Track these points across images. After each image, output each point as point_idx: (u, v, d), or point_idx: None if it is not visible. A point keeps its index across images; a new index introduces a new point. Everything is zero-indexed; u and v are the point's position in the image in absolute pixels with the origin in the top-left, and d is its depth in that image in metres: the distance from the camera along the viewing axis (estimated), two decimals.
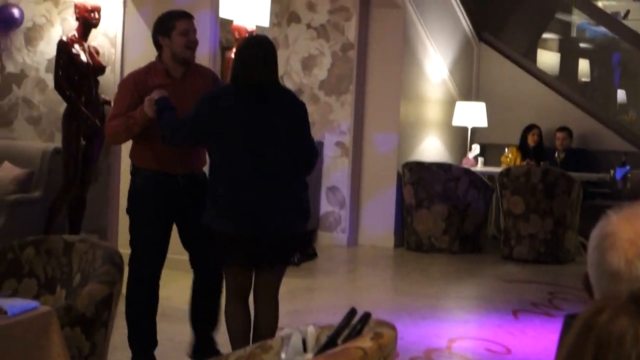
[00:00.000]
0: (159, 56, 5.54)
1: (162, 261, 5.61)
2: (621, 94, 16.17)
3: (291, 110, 5.14)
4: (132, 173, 5.64)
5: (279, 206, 5.03)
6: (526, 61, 13.01)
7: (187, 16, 5.52)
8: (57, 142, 8.73)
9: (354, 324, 2.66)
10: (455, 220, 10.69)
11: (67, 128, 8.34)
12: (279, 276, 5.25)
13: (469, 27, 12.35)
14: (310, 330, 2.69)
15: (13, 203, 8.32)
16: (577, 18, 16.08)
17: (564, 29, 16.04)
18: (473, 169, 11.31)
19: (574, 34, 16.47)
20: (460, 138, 12.13)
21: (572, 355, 1.37)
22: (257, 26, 9.20)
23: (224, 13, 8.75)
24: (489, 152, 12.02)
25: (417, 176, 10.71)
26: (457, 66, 12.14)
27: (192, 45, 5.49)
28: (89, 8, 8.35)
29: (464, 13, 12.19)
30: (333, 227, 10.98)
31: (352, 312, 2.70)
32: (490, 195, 10.96)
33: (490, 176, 11.09)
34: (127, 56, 8.80)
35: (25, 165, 8.64)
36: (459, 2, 12.09)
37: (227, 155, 4.99)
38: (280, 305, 5.32)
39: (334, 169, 10.94)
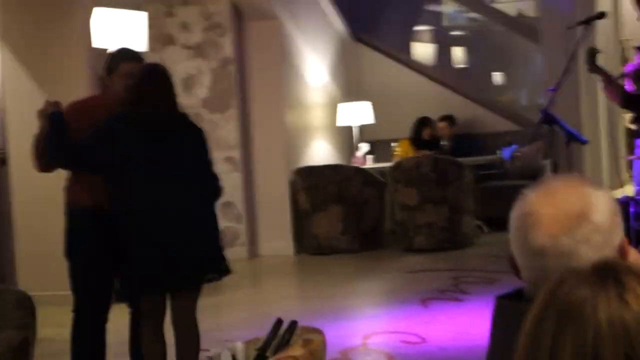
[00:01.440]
0: (107, 91, 5.46)
1: (109, 302, 5.46)
2: (497, 77, 16.48)
3: (192, 140, 5.16)
4: (66, 214, 5.49)
5: (185, 236, 5.03)
6: (403, 55, 13.21)
7: (134, 58, 5.40)
8: None
9: (281, 334, 2.69)
10: (352, 220, 10.78)
11: None
12: (194, 298, 5.22)
13: (344, 29, 12.47)
14: (239, 346, 2.71)
15: None
16: (447, 7, 16.34)
17: (435, 19, 16.28)
18: (363, 166, 11.43)
19: (445, 22, 16.72)
20: (346, 138, 12.24)
21: (535, 326, 1.40)
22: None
23: (98, 42, 8.67)
24: (379, 149, 12.15)
25: (310, 181, 10.78)
26: (337, 69, 12.25)
27: None
28: None
29: (339, 16, 12.31)
30: (232, 242, 10.95)
31: (279, 322, 2.73)
32: (384, 191, 11.08)
33: (382, 172, 11.22)
34: (8, 98, 8.70)
35: None
36: (333, 6, 12.19)
37: (127, 186, 4.98)
38: None
39: (227, 185, 10.83)
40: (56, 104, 5.16)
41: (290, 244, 10.93)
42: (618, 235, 1.93)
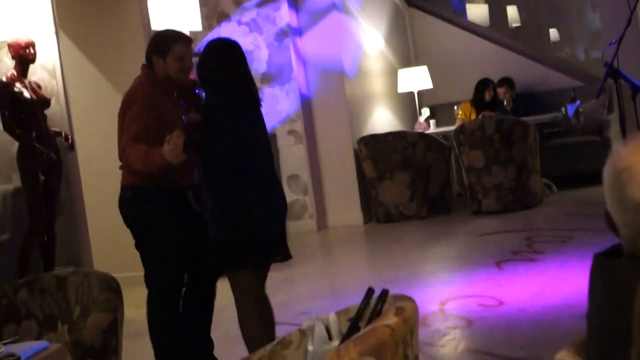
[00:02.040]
0: (151, 69, 5.35)
1: (183, 282, 5.38)
2: (553, 33, 16.32)
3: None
4: (135, 199, 5.31)
5: (284, 207, 5.15)
6: (457, 18, 13.11)
7: (185, 40, 5.35)
8: (16, 182, 8.66)
9: (373, 303, 2.69)
10: (419, 186, 10.76)
11: (24, 166, 8.28)
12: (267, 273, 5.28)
13: None
14: (332, 317, 2.71)
15: None
16: None
17: None
18: (427, 132, 11.38)
19: None
20: (408, 104, 12.19)
21: None
22: (190, 31, 9.17)
23: (155, 24, 8.71)
24: (439, 113, 12.10)
25: (375, 149, 10.76)
26: (392, 35, 12.20)
27: (187, 70, 5.33)
28: (23, 45, 8.28)
29: None
30: (300, 215, 11.01)
31: (370, 291, 2.73)
32: (449, 155, 11.03)
33: (445, 136, 11.18)
34: (70, 85, 8.76)
35: None
36: None
37: (247, 163, 4.97)
38: None
39: (291, 157, 10.97)
40: (178, 133, 4.95)
41: (359, 214, 10.94)
42: None
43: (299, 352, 2.91)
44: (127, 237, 5.60)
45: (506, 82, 11.77)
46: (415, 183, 10.74)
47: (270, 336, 5.02)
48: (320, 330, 2.70)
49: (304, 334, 2.92)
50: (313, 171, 10.96)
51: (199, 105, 5.38)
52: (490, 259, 8.13)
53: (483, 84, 11.73)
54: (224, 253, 5.00)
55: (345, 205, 10.96)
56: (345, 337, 2.68)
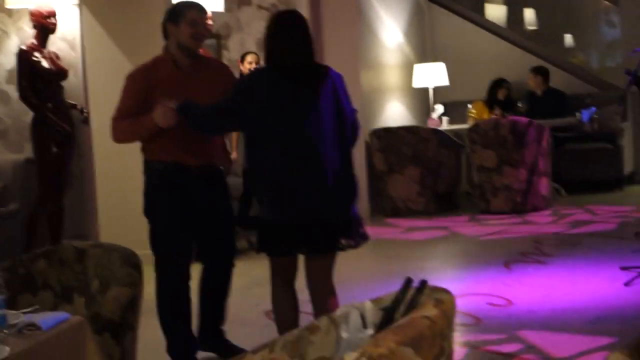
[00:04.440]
0: (166, 47, 5.45)
1: (189, 260, 5.48)
2: (569, 38, 16.28)
3: (331, 88, 4.95)
4: (144, 172, 5.52)
5: (328, 190, 4.87)
6: (476, 16, 13.08)
7: (199, 8, 5.41)
8: (27, 153, 8.64)
9: (412, 294, 2.67)
10: (428, 182, 10.74)
11: (38, 137, 8.25)
12: (329, 263, 5.08)
13: None
14: (368, 305, 2.69)
15: None
16: None
17: None
18: (440, 128, 11.36)
19: None
20: (422, 100, 12.16)
21: None
22: (212, 12, 9.14)
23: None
24: (453, 110, 12.06)
25: (386, 142, 10.74)
26: (410, 29, 12.17)
27: (199, 36, 5.39)
28: (45, 14, 8.25)
29: None
30: None
31: (409, 281, 2.70)
32: (460, 152, 11.01)
33: (458, 133, 11.16)
34: (89, 58, 8.73)
35: None
36: None
37: (273, 143, 4.81)
38: None
39: None
40: (168, 102, 5.13)
41: (366, 206, 10.90)
42: None
43: (327, 339, 2.88)
44: (135, 214, 5.64)
45: (539, 70, 11.70)
46: (424, 179, 10.71)
47: None
48: (355, 317, 2.68)
49: (332, 320, 2.90)
50: None
51: (226, 84, 5.37)
52: (498, 259, 8.11)
53: (496, 84, 11.71)
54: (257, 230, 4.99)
55: None
56: (380, 327, 2.65)
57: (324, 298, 5.05)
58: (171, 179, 5.40)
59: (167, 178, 5.40)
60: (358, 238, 5.05)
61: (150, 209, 5.48)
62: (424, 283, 2.70)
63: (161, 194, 5.42)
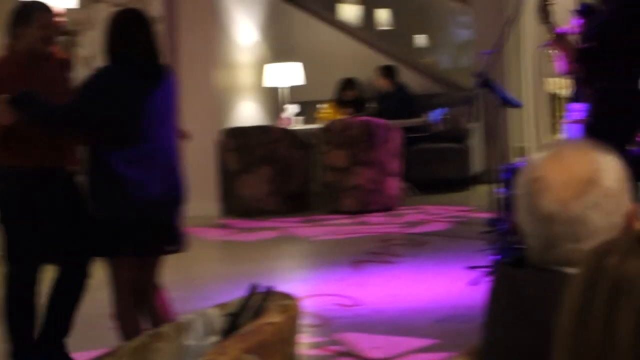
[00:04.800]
0: (11, 46, 5.25)
1: (41, 266, 5.34)
2: (421, 39, 16.54)
3: (172, 87, 5.03)
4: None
5: (180, 189, 4.97)
6: (330, 16, 13.16)
7: (48, 10, 5.24)
8: None
9: (257, 300, 2.63)
10: (279, 181, 10.73)
11: None
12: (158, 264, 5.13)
13: None
14: (213, 312, 2.64)
15: None
16: None
17: None
18: (291, 127, 11.37)
19: None
20: (274, 99, 12.14)
21: (583, 303, 1.36)
22: (65, 8, 8.92)
23: None
24: (309, 110, 12.08)
25: (239, 142, 10.68)
26: (265, 29, 12.13)
27: (50, 39, 5.23)
28: None
29: None
30: None
31: (254, 287, 2.67)
32: (312, 152, 11.04)
33: (311, 133, 11.18)
34: None
35: None
36: None
37: (124, 141, 4.79)
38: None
39: None
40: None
41: (216, 206, 10.84)
42: (627, 202, 1.91)
43: (173, 346, 2.83)
44: None
45: (385, 70, 11.80)
46: (276, 178, 10.70)
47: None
48: (200, 324, 2.63)
49: (178, 326, 2.84)
50: None
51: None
52: (347, 259, 8.14)
53: (345, 84, 11.77)
54: (100, 234, 4.88)
55: (203, 196, 10.81)
56: (225, 333, 2.61)
57: (153, 296, 5.08)
58: (30, 184, 5.18)
59: (27, 183, 5.18)
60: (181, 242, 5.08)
61: (9, 217, 5.24)
62: (269, 289, 2.67)
63: (21, 201, 5.20)
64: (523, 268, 1.95)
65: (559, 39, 7.24)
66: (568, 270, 1.87)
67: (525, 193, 1.91)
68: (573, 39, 7.96)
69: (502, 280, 1.97)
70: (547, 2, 7.13)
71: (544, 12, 7.09)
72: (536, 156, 1.95)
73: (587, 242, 1.85)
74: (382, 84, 11.79)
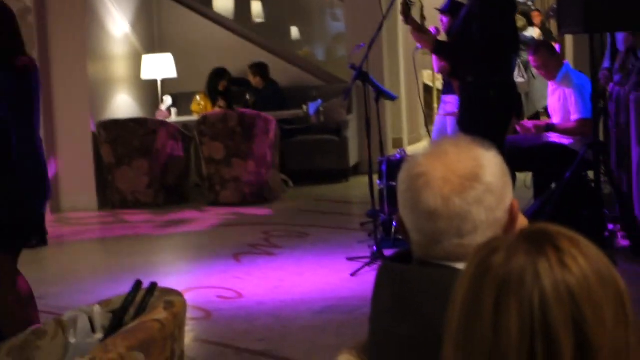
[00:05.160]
0: None
1: None
2: (295, 31, 16.58)
3: (38, 81, 4.95)
4: None
5: (46, 183, 4.92)
6: (204, 8, 13.10)
7: None
8: None
9: (141, 296, 2.62)
10: (157, 174, 10.64)
11: None
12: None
13: None
14: (97, 309, 2.61)
15: None
16: None
17: None
18: (168, 120, 11.30)
19: None
20: (150, 91, 12.04)
21: (472, 300, 1.38)
22: None
23: None
24: (182, 102, 12.00)
25: (114, 134, 10.56)
26: (138, 20, 12.02)
27: None
28: None
29: None
30: None
31: (138, 284, 2.65)
32: (189, 144, 10.99)
33: (187, 125, 11.13)
34: None
35: None
36: None
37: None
38: None
39: None
40: None
41: (94, 198, 10.70)
42: (508, 197, 1.95)
43: (55, 343, 2.79)
44: None
45: (255, 67, 11.78)
46: (153, 171, 10.61)
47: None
48: (83, 322, 2.60)
49: (60, 324, 2.81)
50: (47, 153, 10.60)
51: None
52: (228, 251, 8.14)
53: (216, 75, 11.72)
54: None
55: (80, 189, 10.68)
56: (109, 331, 2.59)
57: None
58: None
59: None
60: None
61: None
62: (153, 285, 2.65)
63: None
64: (408, 263, 1.98)
65: (419, 33, 7.40)
66: (452, 264, 1.90)
67: (407, 189, 1.93)
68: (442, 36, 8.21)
69: (387, 276, 1.99)
70: (410, 3, 7.31)
71: (405, 10, 7.26)
72: (418, 152, 1.98)
73: (470, 237, 1.88)
74: (254, 81, 11.79)
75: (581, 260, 1.36)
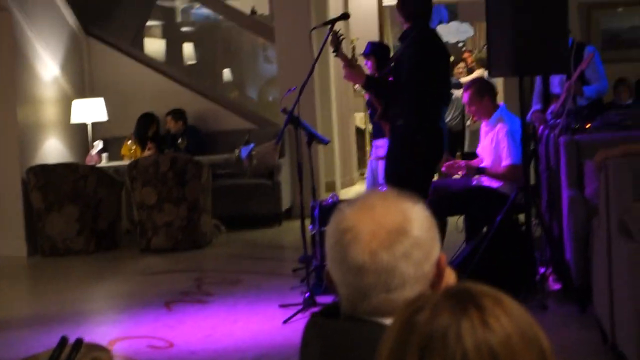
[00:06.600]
0: None
1: None
2: (227, 73, 16.59)
3: None
4: None
5: None
6: (135, 51, 13.04)
7: None
8: None
9: (67, 353, 2.54)
10: (88, 220, 10.52)
11: None
12: None
13: (75, 22, 12.12)
14: None
15: None
16: (181, 3, 16.26)
17: (168, 14, 16.16)
18: (99, 165, 11.19)
19: (179, 19, 16.64)
20: (81, 136, 11.91)
21: (395, 357, 1.36)
22: None
23: None
24: (113, 146, 11.89)
25: (44, 180, 10.42)
26: (68, 64, 11.90)
27: None
28: None
29: (69, 8, 11.95)
30: None
31: (64, 340, 2.58)
32: (120, 190, 10.87)
33: (118, 170, 11.02)
34: None
35: None
36: None
37: None
38: None
39: None
40: None
41: (23, 245, 10.53)
42: (436, 250, 1.93)
43: None
44: None
45: (173, 113, 11.72)
46: (84, 217, 10.48)
47: None
48: None
49: None
50: None
51: None
52: (159, 299, 8.02)
53: (145, 119, 11.66)
54: None
55: (8, 236, 10.51)
56: None
57: None
58: None
59: None
60: None
61: None
62: (79, 341, 2.58)
63: None
64: (336, 318, 1.95)
65: (349, 68, 7.46)
66: (380, 320, 1.87)
67: (335, 243, 1.90)
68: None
69: (316, 331, 1.96)
70: (338, 35, 7.40)
71: (335, 41, 7.36)
72: (346, 206, 1.95)
73: (398, 292, 1.86)
74: (175, 126, 11.72)
75: (504, 320, 1.35)
